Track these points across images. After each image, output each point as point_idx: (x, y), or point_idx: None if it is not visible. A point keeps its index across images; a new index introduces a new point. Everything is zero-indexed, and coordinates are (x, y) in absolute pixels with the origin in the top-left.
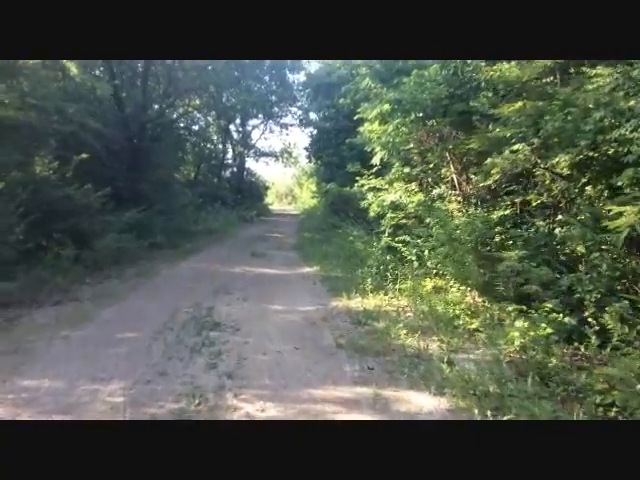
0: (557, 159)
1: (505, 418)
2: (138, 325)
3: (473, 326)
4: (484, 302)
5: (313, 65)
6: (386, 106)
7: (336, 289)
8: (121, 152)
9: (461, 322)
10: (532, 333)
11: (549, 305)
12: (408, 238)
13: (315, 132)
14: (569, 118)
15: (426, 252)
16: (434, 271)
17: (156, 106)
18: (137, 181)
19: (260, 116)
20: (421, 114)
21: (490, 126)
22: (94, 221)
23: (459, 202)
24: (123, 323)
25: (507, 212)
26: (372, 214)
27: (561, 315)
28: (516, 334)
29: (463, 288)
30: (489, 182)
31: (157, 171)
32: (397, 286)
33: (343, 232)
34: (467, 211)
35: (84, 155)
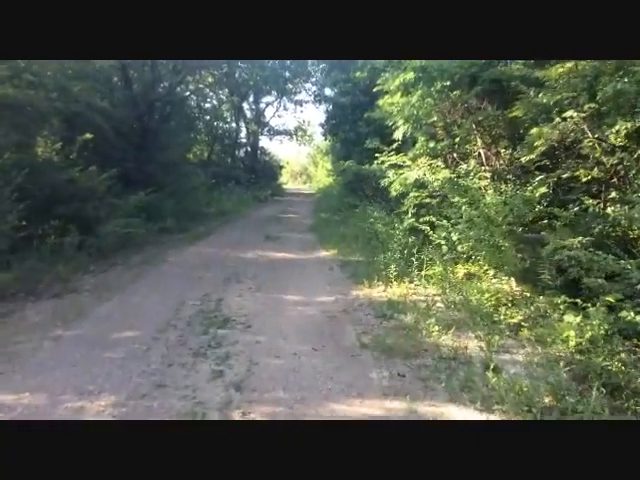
0: (617, 127)
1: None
2: (138, 322)
3: (514, 320)
4: (523, 291)
5: None
6: (410, 74)
7: (356, 275)
8: (130, 132)
9: (501, 316)
10: (591, 331)
11: (610, 298)
12: (435, 219)
13: (330, 108)
14: (626, 80)
15: (456, 235)
16: (464, 256)
17: (166, 83)
18: (146, 162)
19: (274, 93)
20: (448, 83)
21: (532, 92)
22: (99, 205)
23: (487, 179)
24: (122, 319)
25: (544, 190)
26: (394, 193)
27: (632, 313)
28: (572, 333)
29: (503, 276)
30: (532, 156)
31: (167, 151)
32: (423, 272)
33: (361, 212)
34: (499, 188)
35: (88, 135)
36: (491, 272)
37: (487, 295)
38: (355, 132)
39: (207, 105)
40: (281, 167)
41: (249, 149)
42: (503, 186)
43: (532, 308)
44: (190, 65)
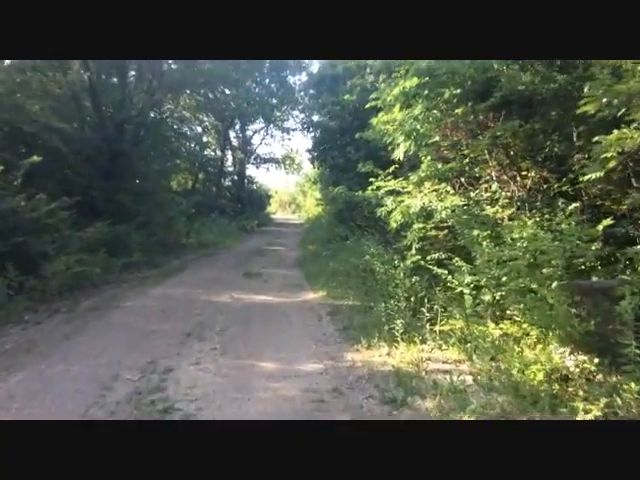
0: None
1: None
2: (41, 412)
3: (590, 416)
4: (584, 364)
5: (316, 65)
6: (413, 81)
7: (350, 329)
8: (96, 157)
9: (578, 413)
10: None
11: None
12: (445, 256)
13: (318, 133)
14: None
15: (482, 280)
16: (491, 308)
17: (139, 105)
18: (116, 190)
19: (260, 120)
20: (459, 91)
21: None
22: (48, 239)
23: (512, 206)
24: (22, 406)
25: (607, 222)
26: (393, 224)
27: None
28: None
29: (553, 340)
30: (600, 173)
31: (141, 179)
32: (437, 327)
33: (354, 245)
34: (540, 220)
35: (36, 157)
36: (534, 333)
37: (539, 371)
38: (344, 158)
39: (190, 131)
40: (269, 196)
41: (235, 178)
42: (530, 215)
43: (619, 400)
44: (167, 86)
